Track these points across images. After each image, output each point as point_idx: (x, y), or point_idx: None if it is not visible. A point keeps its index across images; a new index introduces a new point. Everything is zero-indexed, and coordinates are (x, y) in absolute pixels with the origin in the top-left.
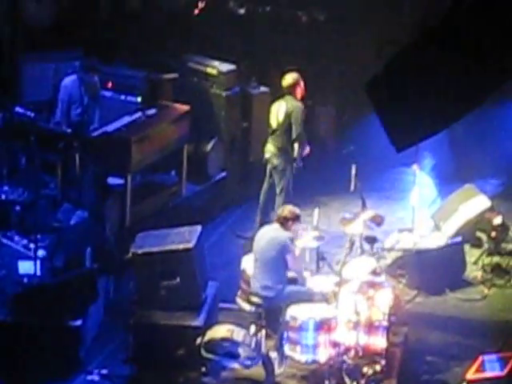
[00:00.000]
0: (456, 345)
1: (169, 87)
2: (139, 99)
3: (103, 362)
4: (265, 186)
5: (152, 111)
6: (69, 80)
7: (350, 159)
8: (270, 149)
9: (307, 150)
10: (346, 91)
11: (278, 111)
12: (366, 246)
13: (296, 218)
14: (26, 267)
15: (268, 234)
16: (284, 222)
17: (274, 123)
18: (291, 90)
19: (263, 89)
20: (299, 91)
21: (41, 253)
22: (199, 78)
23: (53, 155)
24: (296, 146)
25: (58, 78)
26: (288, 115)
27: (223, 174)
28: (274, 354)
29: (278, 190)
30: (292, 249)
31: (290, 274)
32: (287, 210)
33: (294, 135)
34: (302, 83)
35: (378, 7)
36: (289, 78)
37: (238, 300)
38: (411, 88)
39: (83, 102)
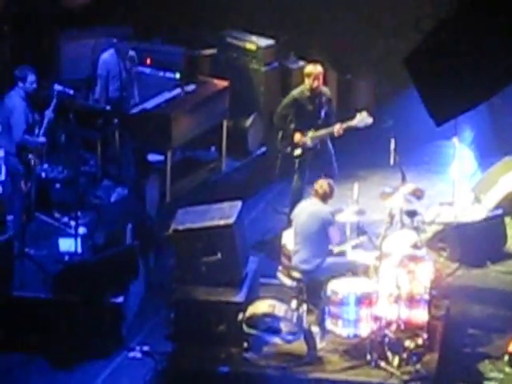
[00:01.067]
0: (498, 317)
1: (207, 63)
2: (178, 75)
3: (145, 338)
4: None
5: (191, 87)
6: (107, 54)
7: (389, 133)
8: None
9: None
10: (385, 65)
11: None
12: (407, 220)
13: (333, 192)
14: (66, 245)
15: (308, 209)
16: (325, 196)
17: None
18: (305, 78)
19: (302, 63)
20: (310, 83)
21: (81, 230)
22: (238, 53)
23: (92, 132)
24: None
25: (96, 55)
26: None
27: (263, 149)
28: (315, 329)
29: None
30: (333, 221)
31: (334, 246)
32: (326, 184)
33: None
34: (317, 77)
35: None
36: (307, 68)
37: (279, 275)
38: (450, 61)
39: (121, 76)
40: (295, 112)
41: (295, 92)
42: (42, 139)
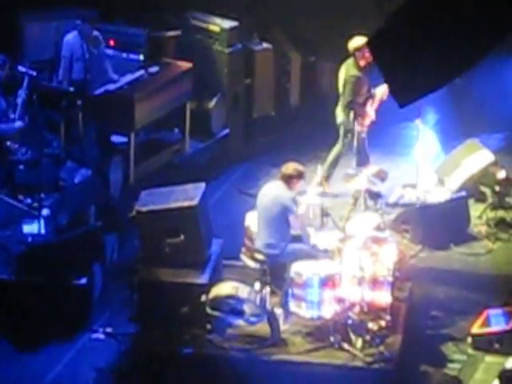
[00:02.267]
0: (461, 299)
1: (171, 44)
2: (141, 57)
3: (108, 320)
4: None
5: (154, 69)
6: (71, 36)
7: None
8: (337, 111)
9: (369, 118)
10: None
11: (340, 76)
12: (370, 202)
13: (300, 176)
14: (30, 226)
15: (271, 192)
16: (288, 179)
17: (338, 86)
18: (354, 53)
19: (266, 45)
20: (361, 57)
21: (45, 212)
22: (202, 34)
23: (56, 114)
24: (349, 113)
25: (60, 36)
26: (343, 85)
27: (226, 130)
28: (278, 311)
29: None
30: (294, 210)
31: (295, 232)
32: (291, 167)
33: (344, 102)
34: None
35: None
36: (354, 42)
37: (243, 257)
38: (413, 43)
39: (85, 58)
40: (359, 88)
41: (354, 72)
42: (18, 123)
